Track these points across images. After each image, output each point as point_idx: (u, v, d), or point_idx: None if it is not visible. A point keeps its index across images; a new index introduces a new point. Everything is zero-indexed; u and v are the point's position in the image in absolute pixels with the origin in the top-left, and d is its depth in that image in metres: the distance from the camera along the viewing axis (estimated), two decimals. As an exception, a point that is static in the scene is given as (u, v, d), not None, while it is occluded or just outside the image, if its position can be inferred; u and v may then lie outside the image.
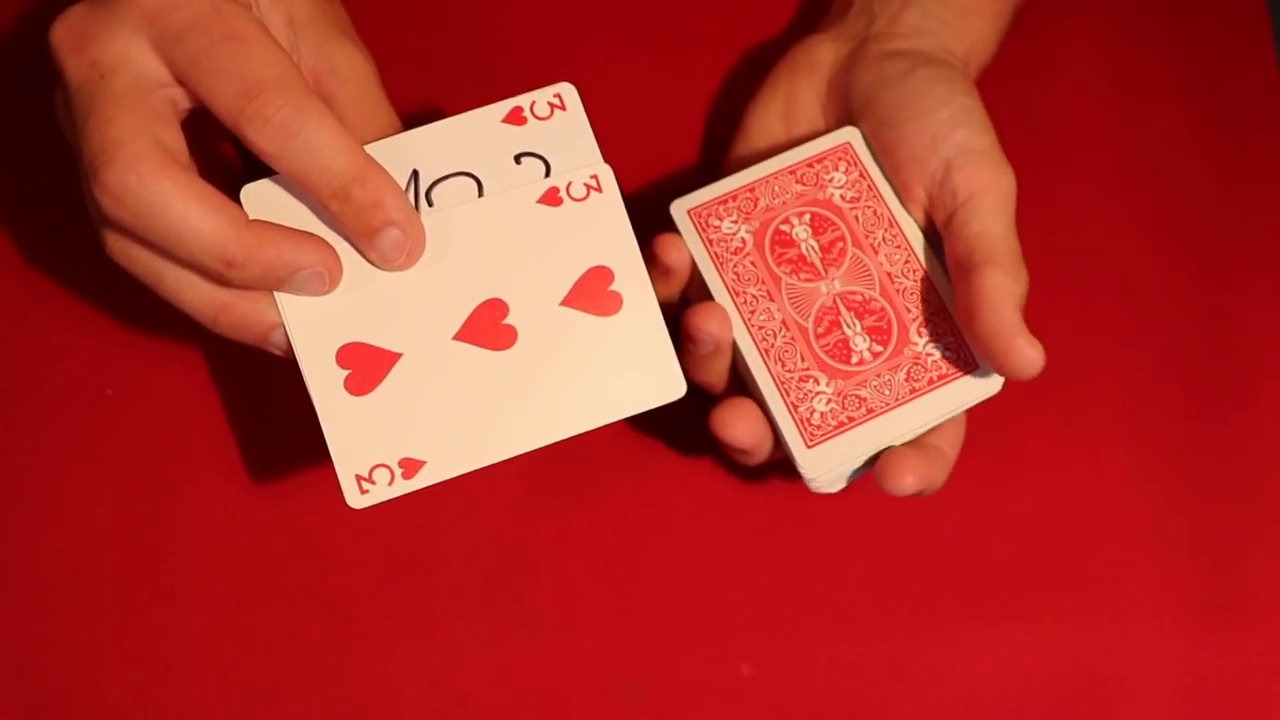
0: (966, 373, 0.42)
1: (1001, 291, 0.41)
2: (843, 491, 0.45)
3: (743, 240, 0.44)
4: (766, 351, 0.43)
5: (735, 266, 0.44)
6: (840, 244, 0.44)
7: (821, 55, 0.48)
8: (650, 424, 0.49)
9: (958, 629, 0.47)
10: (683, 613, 0.47)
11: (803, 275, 0.43)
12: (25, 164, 0.52)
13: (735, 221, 0.44)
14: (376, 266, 0.39)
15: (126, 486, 0.48)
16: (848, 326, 0.43)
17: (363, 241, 0.38)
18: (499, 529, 0.48)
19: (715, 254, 0.44)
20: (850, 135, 0.45)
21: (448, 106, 0.52)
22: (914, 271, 0.44)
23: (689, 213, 0.44)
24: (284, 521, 0.48)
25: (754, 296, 0.43)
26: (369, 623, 0.47)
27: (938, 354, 0.43)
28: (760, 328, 0.43)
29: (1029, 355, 0.40)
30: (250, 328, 0.39)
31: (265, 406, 0.49)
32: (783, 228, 0.44)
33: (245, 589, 0.47)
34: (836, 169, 0.45)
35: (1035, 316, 0.50)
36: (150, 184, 0.36)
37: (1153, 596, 0.48)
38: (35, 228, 0.51)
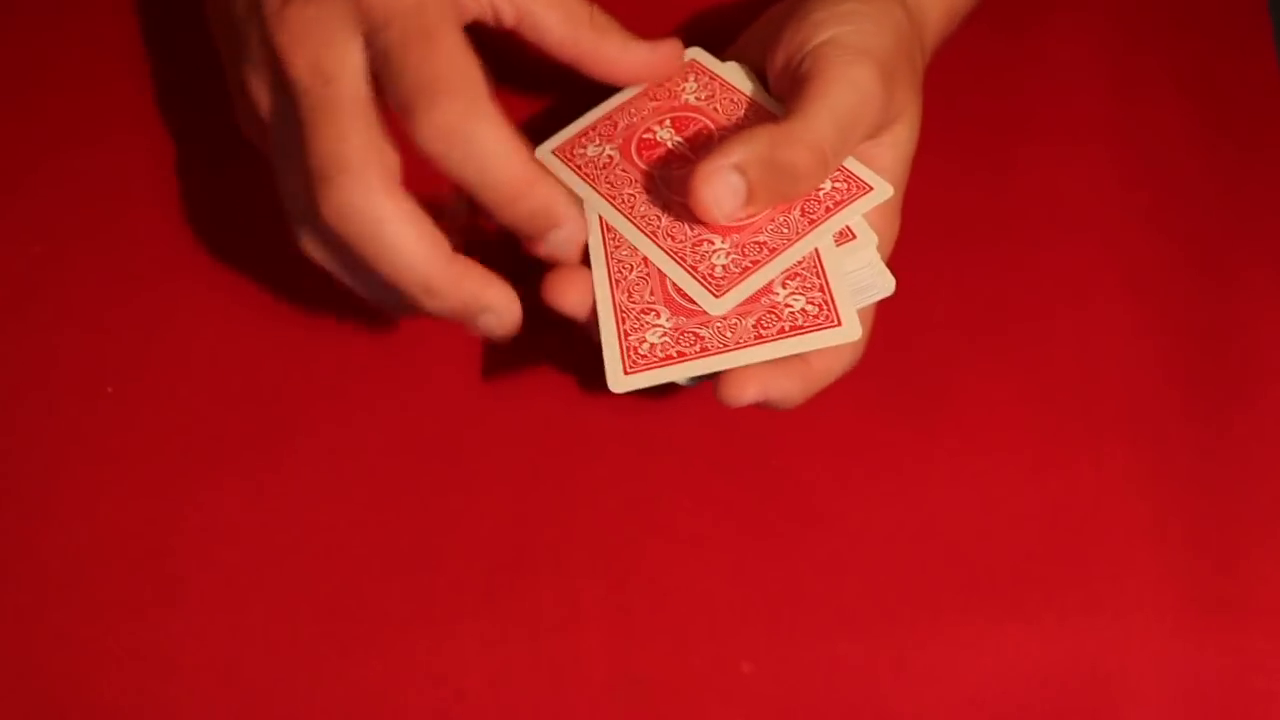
0: (826, 327, 0.41)
1: (739, 145, 0.39)
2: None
3: (609, 156, 0.44)
4: (653, 234, 0.43)
5: (608, 177, 0.44)
6: (705, 132, 0.44)
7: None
8: (649, 423, 0.49)
9: (959, 627, 0.47)
10: (683, 611, 0.47)
11: (675, 165, 0.43)
12: (24, 160, 0.52)
13: (599, 145, 0.44)
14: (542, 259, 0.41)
15: (126, 486, 0.48)
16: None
17: (531, 241, 0.40)
18: (499, 529, 0.48)
19: (586, 174, 0.44)
20: (695, 53, 0.46)
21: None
22: (793, 223, 0.42)
23: (553, 152, 0.45)
24: (284, 521, 0.48)
25: (631, 195, 0.43)
26: (369, 622, 0.47)
27: (796, 307, 0.41)
28: (643, 217, 0.43)
29: (709, 190, 0.39)
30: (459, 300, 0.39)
31: (265, 405, 0.49)
32: (645, 136, 0.44)
33: (245, 589, 0.47)
34: (686, 80, 0.45)
35: (1036, 316, 0.51)
36: (374, 204, 0.37)
37: (1154, 595, 0.48)
38: (34, 224, 0.51)
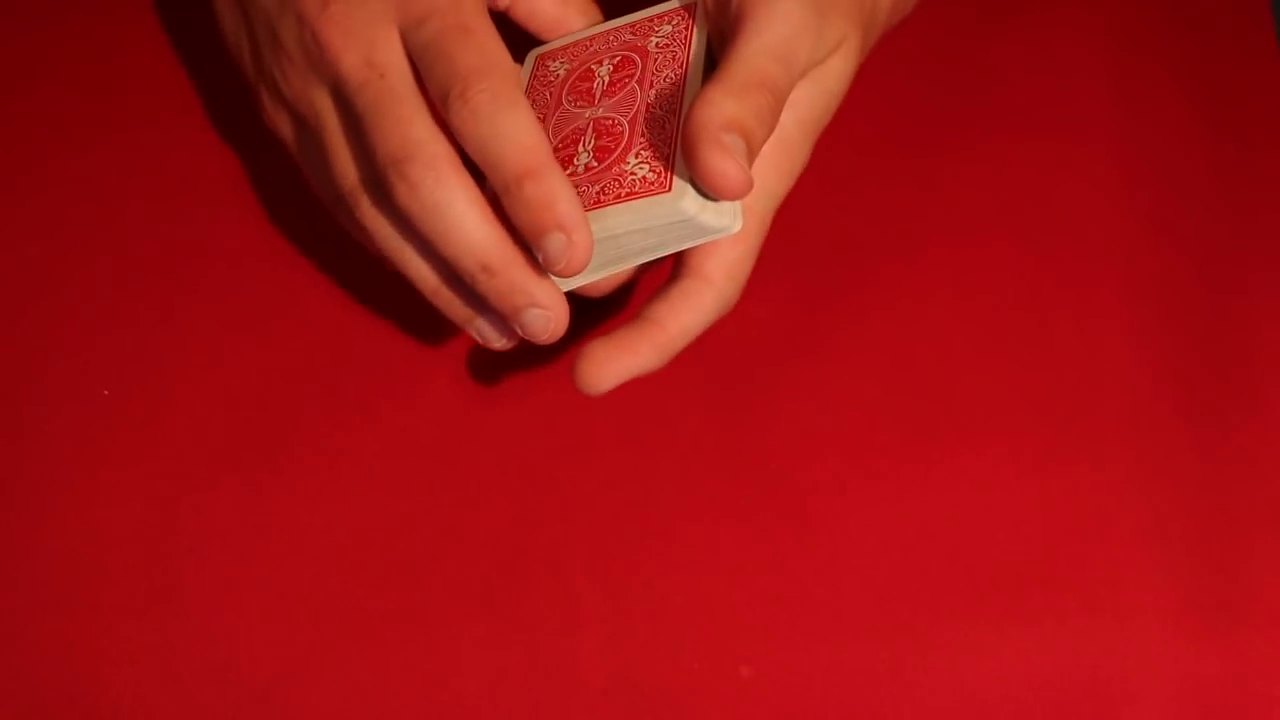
0: (656, 193, 0.41)
1: (710, 105, 0.39)
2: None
3: (556, 75, 0.45)
4: None
5: (534, 95, 0.45)
6: (627, 80, 0.44)
7: None
8: (648, 425, 0.49)
9: (958, 630, 0.47)
10: (681, 614, 0.47)
11: (578, 103, 0.44)
12: (24, 160, 0.52)
13: (561, 63, 0.46)
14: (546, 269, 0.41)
15: (125, 487, 0.48)
16: (582, 145, 0.43)
17: (531, 241, 0.40)
18: (498, 529, 0.48)
19: (531, 88, 0.46)
20: None
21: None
22: (671, 105, 0.43)
23: (535, 56, 0.47)
24: (281, 524, 0.48)
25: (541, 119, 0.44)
26: (366, 625, 0.47)
27: (639, 174, 0.41)
28: None
29: (718, 166, 0.38)
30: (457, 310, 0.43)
31: (262, 407, 0.49)
32: (593, 67, 0.45)
33: (245, 589, 0.47)
34: (669, 23, 0.45)
35: (1036, 317, 0.51)
36: (444, 184, 0.39)
37: (1154, 598, 0.48)
38: (32, 226, 0.51)
